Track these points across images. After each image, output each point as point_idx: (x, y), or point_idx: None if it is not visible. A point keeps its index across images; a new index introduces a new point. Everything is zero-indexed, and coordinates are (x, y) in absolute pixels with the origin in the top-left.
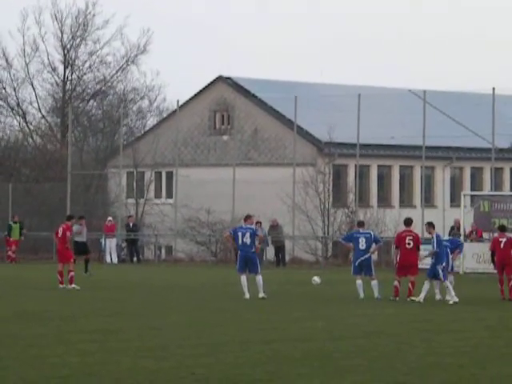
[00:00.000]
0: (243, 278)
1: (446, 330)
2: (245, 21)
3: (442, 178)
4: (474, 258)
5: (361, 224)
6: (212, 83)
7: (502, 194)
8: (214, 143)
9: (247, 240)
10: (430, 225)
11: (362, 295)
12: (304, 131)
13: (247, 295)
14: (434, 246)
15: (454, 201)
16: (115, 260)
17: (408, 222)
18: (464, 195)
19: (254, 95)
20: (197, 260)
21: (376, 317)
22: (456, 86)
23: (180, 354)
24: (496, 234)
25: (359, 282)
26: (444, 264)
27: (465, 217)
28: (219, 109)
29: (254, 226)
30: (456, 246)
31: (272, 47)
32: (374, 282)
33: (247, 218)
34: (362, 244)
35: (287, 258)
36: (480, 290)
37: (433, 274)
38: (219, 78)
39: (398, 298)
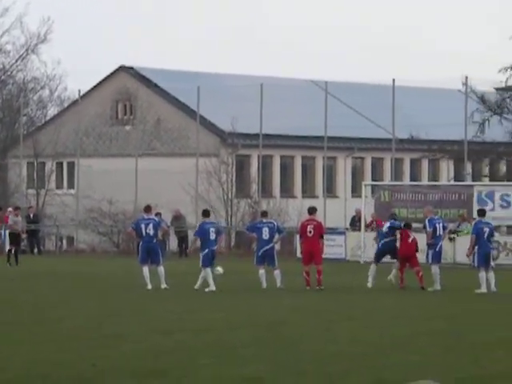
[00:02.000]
0: (145, 269)
1: (349, 318)
2: (147, 10)
3: (344, 168)
4: (375, 247)
5: (264, 214)
6: (114, 73)
7: (401, 184)
8: (116, 133)
9: (150, 231)
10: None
11: (264, 285)
12: (207, 121)
13: (149, 286)
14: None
15: (356, 191)
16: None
17: (311, 210)
18: (365, 185)
19: (156, 85)
20: (99, 251)
21: (278, 307)
22: (357, 77)
23: (80, 345)
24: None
25: (262, 271)
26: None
27: (366, 207)
28: (121, 99)
29: (156, 217)
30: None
31: (174, 37)
32: (277, 272)
33: (147, 208)
34: (266, 234)
35: (190, 248)
36: (381, 278)
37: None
38: (121, 68)
39: (318, 287)
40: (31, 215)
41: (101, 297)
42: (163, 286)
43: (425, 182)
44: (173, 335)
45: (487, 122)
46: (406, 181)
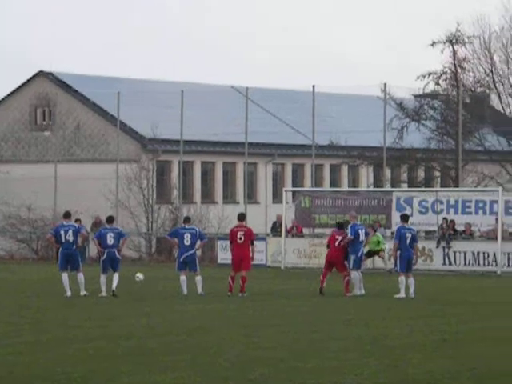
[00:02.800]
0: (65, 276)
1: (268, 324)
2: (66, 15)
3: (265, 174)
4: (295, 253)
5: (187, 220)
6: (33, 78)
7: (322, 190)
8: (35, 139)
9: (70, 238)
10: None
11: (185, 291)
12: (127, 127)
13: (69, 293)
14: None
15: (276, 197)
16: None
17: (241, 217)
18: (285, 191)
19: (75, 91)
20: (17, 257)
21: (199, 313)
22: (278, 83)
23: None
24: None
25: (183, 277)
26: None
27: (286, 212)
28: (40, 104)
29: (76, 224)
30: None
31: (94, 42)
32: (198, 278)
33: (66, 215)
34: (187, 240)
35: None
36: (301, 284)
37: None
38: (40, 73)
39: (241, 295)
40: None
41: (20, 304)
42: (82, 292)
43: (345, 187)
44: (93, 342)
45: (405, 129)
46: (327, 187)
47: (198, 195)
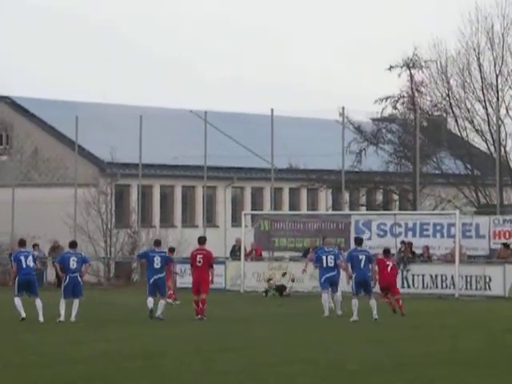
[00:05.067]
0: (18, 300)
1: (226, 348)
2: (22, 38)
3: (224, 197)
4: (255, 276)
5: (157, 243)
6: None
7: (281, 214)
8: None
9: (30, 263)
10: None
11: (153, 311)
12: (86, 151)
13: (23, 314)
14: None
15: (236, 220)
16: None
17: (201, 240)
18: (245, 215)
19: (33, 115)
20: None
21: (158, 337)
22: (236, 107)
23: None
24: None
25: (150, 299)
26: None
27: (245, 236)
28: None
29: (32, 250)
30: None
31: (51, 66)
32: (163, 302)
33: (21, 243)
34: (157, 263)
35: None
36: (260, 308)
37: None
38: None
39: (200, 316)
40: None
41: None
42: (41, 318)
43: (304, 211)
44: (51, 368)
45: (364, 152)
46: (286, 210)
47: (156, 219)
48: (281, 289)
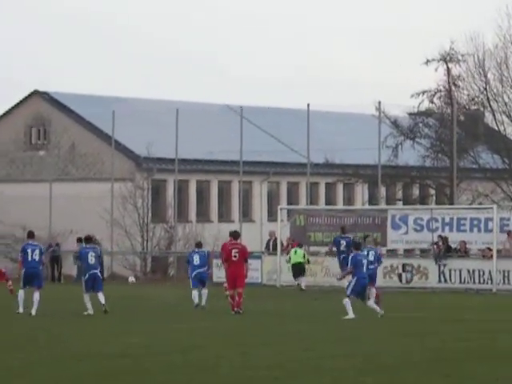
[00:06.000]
0: (21, 293)
1: (262, 343)
2: (61, 34)
3: (260, 192)
4: (291, 271)
5: (199, 245)
6: (28, 98)
7: (316, 208)
8: (30, 158)
9: (36, 256)
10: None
11: (197, 301)
12: (122, 146)
13: (21, 309)
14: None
15: (271, 215)
16: None
17: (235, 234)
18: (280, 209)
19: (70, 110)
20: (11, 277)
21: (195, 331)
22: (272, 101)
23: None
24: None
25: (195, 292)
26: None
27: (281, 230)
28: (35, 124)
29: (39, 244)
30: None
31: (89, 61)
32: (205, 292)
33: (30, 234)
34: (197, 260)
35: (106, 273)
36: (296, 303)
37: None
38: (35, 93)
39: (237, 310)
40: None
41: (15, 323)
42: (33, 312)
43: (340, 205)
44: (88, 360)
45: (400, 147)
46: (321, 205)
47: (193, 214)
48: (299, 268)
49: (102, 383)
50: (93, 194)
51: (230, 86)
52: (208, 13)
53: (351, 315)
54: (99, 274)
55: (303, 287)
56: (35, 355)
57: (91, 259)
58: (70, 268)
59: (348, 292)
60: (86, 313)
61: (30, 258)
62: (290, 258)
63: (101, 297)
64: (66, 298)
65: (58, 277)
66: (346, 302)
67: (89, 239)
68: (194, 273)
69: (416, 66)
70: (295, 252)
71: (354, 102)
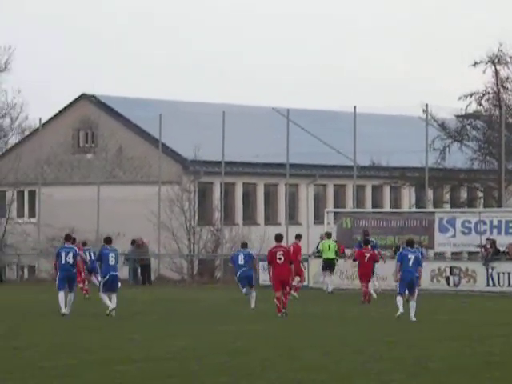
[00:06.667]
0: (61, 295)
1: (309, 345)
2: (108, 38)
3: (306, 195)
4: (337, 273)
5: (244, 245)
6: (75, 101)
7: (363, 211)
8: (77, 162)
9: (70, 259)
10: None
11: (244, 291)
12: (169, 149)
13: (63, 310)
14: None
15: (318, 218)
16: None
17: (278, 237)
18: (327, 212)
19: (118, 113)
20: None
21: (240, 334)
22: (318, 104)
23: (41, 374)
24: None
25: (245, 290)
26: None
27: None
28: (83, 127)
29: (74, 246)
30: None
31: (136, 65)
32: (254, 294)
33: (67, 237)
34: (241, 260)
35: (153, 276)
36: (343, 306)
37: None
38: (83, 96)
39: (284, 310)
40: None
41: (61, 325)
42: (67, 311)
43: (386, 208)
44: (135, 364)
45: (448, 149)
46: (368, 207)
47: (239, 217)
48: (330, 264)
49: None
50: (140, 196)
51: (277, 89)
52: (259, 16)
53: (401, 310)
54: (118, 275)
55: (330, 290)
56: (82, 358)
57: (112, 260)
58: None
59: (398, 290)
60: (108, 311)
61: (63, 261)
62: (317, 249)
63: (114, 299)
64: None
65: None
66: (398, 299)
67: (109, 240)
68: (240, 272)
69: (464, 67)
70: (328, 247)
71: (401, 104)
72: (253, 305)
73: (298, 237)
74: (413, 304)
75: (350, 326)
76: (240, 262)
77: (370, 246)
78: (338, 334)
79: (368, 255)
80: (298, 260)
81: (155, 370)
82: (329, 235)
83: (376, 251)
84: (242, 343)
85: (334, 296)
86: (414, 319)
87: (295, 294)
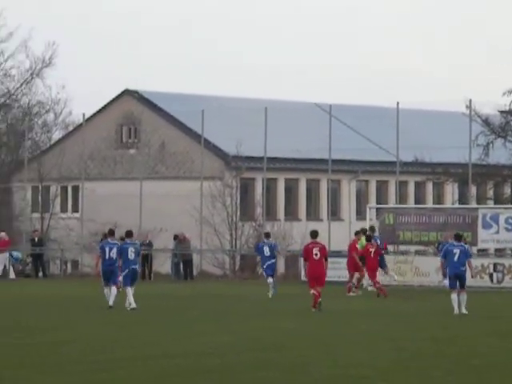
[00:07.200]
0: (106, 290)
1: (348, 341)
2: (151, 34)
3: (348, 191)
4: (379, 270)
5: (267, 235)
6: (118, 96)
7: (406, 207)
8: (120, 157)
9: (113, 255)
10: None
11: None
12: (211, 145)
13: (110, 303)
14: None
15: (360, 214)
16: (12, 275)
17: (314, 234)
18: (369, 208)
19: (160, 109)
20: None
21: (278, 330)
22: (361, 100)
23: (79, 370)
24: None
25: (270, 280)
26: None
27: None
28: (126, 122)
29: (118, 242)
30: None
31: (179, 60)
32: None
33: (110, 232)
34: (267, 251)
35: (195, 271)
36: (383, 302)
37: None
38: (126, 92)
39: (317, 307)
40: (36, 239)
41: (104, 320)
42: (111, 303)
43: (429, 204)
44: (174, 359)
45: (491, 145)
46: (411, 203)
47: (281, 212)
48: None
49: (190, 381)
50: (182, 192)
51: (319, 85)
52: (305, 13)
53: (456, 311)
54: (137, 269)
55: (365, 286)
56: (125, 352)
57: (131, 254)
58: (160, 266)
59: (448, 286)
60: (131, 307)
61: (107, 256)
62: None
63: (129, 293)
64: (155, 296)
65: (149, 274)
66: (452, 298)
67: (130, 234)
68: (268, 263)
69: (508, 63)
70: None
71: (444, 99)
72: (274, 292)
73: (359, 233)
74: (463, 297)
75: (392, 322)
76: (266, 254)
77: (373, 241)
78: (379, 329)
79: (373, 250)
80: (352, 257)
81: (194, 365)
82: (364, 231)
83: (377, 242)
84: (283, 339)
85: (374, 292)
86: (464, 311)
87: (356, 291)
